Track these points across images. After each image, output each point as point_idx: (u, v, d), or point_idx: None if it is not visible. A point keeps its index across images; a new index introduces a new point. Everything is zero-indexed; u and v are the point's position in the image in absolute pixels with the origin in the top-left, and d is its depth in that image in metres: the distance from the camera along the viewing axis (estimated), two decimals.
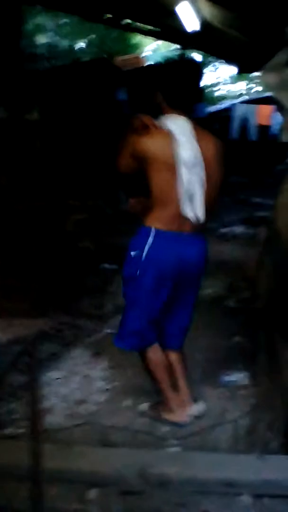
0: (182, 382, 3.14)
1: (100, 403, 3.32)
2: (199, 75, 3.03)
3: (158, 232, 2.77)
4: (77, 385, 3.51)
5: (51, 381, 3.50)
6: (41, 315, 3.91)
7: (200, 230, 2.90)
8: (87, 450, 2.80)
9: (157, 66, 3.04)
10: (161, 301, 2.89)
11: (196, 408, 3.13)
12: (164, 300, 2.90)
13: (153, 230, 2.77)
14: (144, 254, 2.78)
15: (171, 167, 2.71)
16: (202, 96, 3.01)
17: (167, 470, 2.61)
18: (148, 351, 3.03)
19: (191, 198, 2.74)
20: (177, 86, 2.83)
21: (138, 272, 2.81)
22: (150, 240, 2.77)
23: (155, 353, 3.03)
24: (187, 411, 3.09)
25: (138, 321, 2.92)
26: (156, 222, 2.78)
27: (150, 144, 2.74)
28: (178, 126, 2.76)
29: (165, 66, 3.05)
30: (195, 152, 2.74)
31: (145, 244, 2.77)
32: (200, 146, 2.78)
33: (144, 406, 3.26)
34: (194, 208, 2.76)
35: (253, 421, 3.04)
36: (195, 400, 3.18)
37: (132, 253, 2.82)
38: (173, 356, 3.12)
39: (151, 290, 2.84)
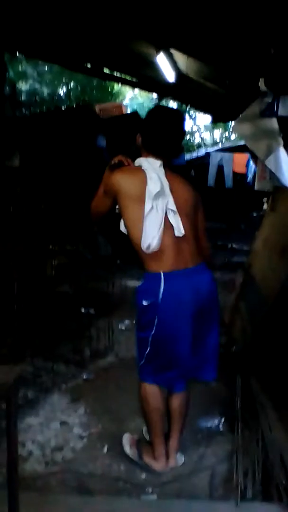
0: (175, 434, 3.13)
1: (77, 450, 3.30)
2: (180, 124, 3.09)
3: (166, 275, 2.76)
4: (54, 432, 3.49)
5: (28, 428, 3.48)
6: (19, 360, 3.91)
7: (201, 262, 2.92)
8: (63, 498, 2.78)
9: (138, 114, 3.15)
10: (185, 340, 2.85)
11: (177, 460, 3.13)
12: (190, 338, 2.86)
13: (161, 274, 2.76)
14: (159, 299, 2.75)
15: (142, 202, 2.75)
16: (180, 147, 3.08)
17: None
18: (154, 391, 3.00)
19: (152, 226, 2.74)
20: (156, 131, 2.94)
21: (156, 319, 2.78)
22: (162, 284, 2.75)
23: (155, 397, 3.01)
24: (170, 462, 3.08)
25: (158, 364, 2.92)
26: (161, 266, 2.78)
27: (123, 179, 2.82)
28: (150, 164, 2.86)
29: (151, 111, 3.13)
30: (162, 185, 2.79)
31: (159, 289, 2.75)
32: (171, 184, 2.85)
33: (126, 438, 3.26)
34: (151, 234, 2.74)
35: (230, 468, 3.05)
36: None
37: (145, 302, 2.80)
38: (181, 398, 3.10)
39: (173, 333, 2.81)
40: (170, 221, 2.79)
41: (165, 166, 2.93)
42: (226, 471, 3.04)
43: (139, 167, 2.88)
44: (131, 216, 2.80)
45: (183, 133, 3.17)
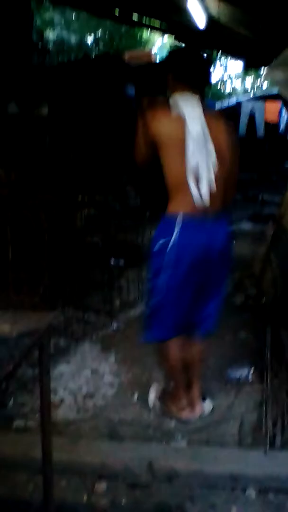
0: (196, 381, 3.15)
1: (108, 398, 3.36)
2: (206, 57, 3.09)
3: (184, 217, 2.70)
4: (86, 379, 3.54)
5: (60, 376, 3.54)
6: (50, 309, 3.95)
7: (224, 212, 2.85)
8: (95, 443, 2.84)
9: (169, 53, 3.08)
10: (191, 290, 2.83)
11: (204, 407, 3.16)
12: (194, 289, 2.84)
13: (180, 215, 2.70)
14: (172, 242, 2.71)
15: (181, 145, 2.67)
16: (210, 77, 3.03)
17: (174, 464, 2.65)
18: (170, 347, 2.99)
19: (196, 174, 2.68)
20: (189, 61, 2.86)
21: (167, 261, 2.74)
22: (178, 226, 2.70)
23: (175, 350, 3.00)
24: (196, 410, 3.12)
25: (167, 312, 2.87)
26: (179, 207, 2.72)
27: (161, 124, 2.73)
28: (188, 104, 2.75)
29: (176, 49, 3.12)
30: (202, 128, 2.69)
31: (173, 231, 2.70)
32: (209, 125, 2.74)
33: (154, 389, 3.29)
34: (199, 185, 2.69)
35: (258, 417, 3.07)
36: (203, 397, 3.21)
37: (161, 241, 2.75)
38: (196, 348, 3.09)
39: (180, 279, 2.77)
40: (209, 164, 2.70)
41: (203, 104, 2.81)
42: (255, 420, 3.06)
43: (175, 109, 2.75)
44: (170, 162, 2.71)
45: (209, 60, 3.19)
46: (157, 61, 11.55)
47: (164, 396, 3.24)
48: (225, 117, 2.98)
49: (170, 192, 2.75)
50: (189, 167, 2.67)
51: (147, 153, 2.83)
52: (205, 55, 3.10)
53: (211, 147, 2.72)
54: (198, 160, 2.68)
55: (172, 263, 2.75)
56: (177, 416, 3.11)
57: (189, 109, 2.72)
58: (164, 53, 19.60)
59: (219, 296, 3.02)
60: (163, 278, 2.80)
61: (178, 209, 2.73)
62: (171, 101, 2.81)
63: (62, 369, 3.63)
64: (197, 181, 2.69)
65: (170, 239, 2.72)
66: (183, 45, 12.62)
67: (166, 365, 3.12)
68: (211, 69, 3.07)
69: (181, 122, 2.69)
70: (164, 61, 2.99)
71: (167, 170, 2.73)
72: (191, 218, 2.71)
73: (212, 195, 2.73)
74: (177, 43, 14.40)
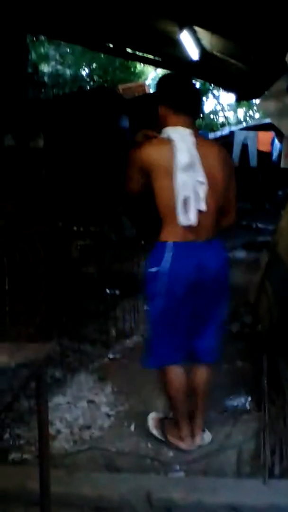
0: (199, 411, 3.12)
1: (104, 429, 3.34)
2: (194, 83, 3.22)
3: (174, 245, 2.77)
4: (82, 410, 3.53)
5: (55, 407, 3.52)
6: (46, 340, 3.94)
7: (216, 237, 2.90)
8: (92, 475, 2.82)
9: (158, 80, 3.16)
10: (187, 315, 2.87)
11: (203, 438, 3.14)
12: (190, 314, 2.87)
13: (169, 243, 2.77)
14: (163, 269, 2.77)
15: (171, 175, 2.73)
16: (201, 103, 3.16)
17: (173, 495, 2.63)
18: (170, 372, 2.99)
19: (185, 201, 2.73)
20: (181, 88, 2.94)
21: (159, 288, 2.79)
22: (168, 254, 2.76)
23: (177, 376, 3.00)
24: (195, 440, 3.10)
25: (164, 338, 2.90)
26: (170, 235, 2.79)
27: (152, 152, 2.80)
28: (178, 134, 2.80)
29: (166, 76, 3.26)
30: (192, 158, 2.75)
31: (163, 258, 2.76)
32: (202, 154, 2.79)
33: (151, 418, 3.27)
34: (188, 214, 2.74)
35: (256, 446, 3.06)
36: (203, 428, 3.19)
37: (152, 269, 2.80)
38: (201, 375, 3.09)
39: (175, 305, 2.81)
40: (197, 192, 2.76)
41: (196, 134, 2.88)
42: (253, 449, 3.05)
43: (166, 139, 2.81)
44: (161, 191, 2.77)
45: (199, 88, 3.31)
46: (151, 92, 11.74)
47: (163, 425, 3.22)
48: (223, 147, 3.03)
49: (163, 219, 2.80)
50: (178, 197, 2.72)
51: (138, 183, 2.88)
52: (194, 82, 3.20)
53: (201, 176, 2.77)
54: (187, 190, 2.73)
55: (165, 289, 2.79)
56: (177, 446, 3.09)
57: (180, 140, 2.77)
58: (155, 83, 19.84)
59: (217, 321, 3.04)
60: (158, 305, 2.84)
61: (168, 237, 2.79)
62: (163, 133, 2.87)
63: (58, 400, 3.61)
64: (186, 209, 2.73)
65: (162, 267, 2.77)
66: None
67: (167, 393, 3.10)
68: (202, 96, 3.16)
69: (171, 152, 2.75)
70: (156, 89, 3.05)
71: (158, 199, 2.79)
72: (182, 244, 2.78)
73: (202, 222, 2.78)
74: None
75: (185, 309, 2.86)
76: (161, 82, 3.10)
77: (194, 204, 2.74)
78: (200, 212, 2.76)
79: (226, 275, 2.98)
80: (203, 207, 2.77)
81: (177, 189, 2.72)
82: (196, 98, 3.07)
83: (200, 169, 2.78)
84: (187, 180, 2.73)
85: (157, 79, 3.27)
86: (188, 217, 2.74)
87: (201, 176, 2.77)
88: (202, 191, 2.77)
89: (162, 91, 2.99)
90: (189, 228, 2.76)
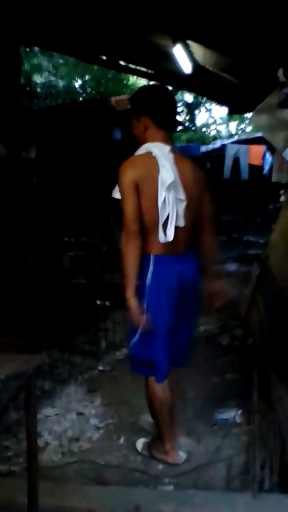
0: (176, 420, 3.15)
1: (93, 441, 3.32)
2: (173, 98, 3.22)
3: (156, 258, 2.84)
4: (71, 422, 3.50)
5: (44, 419, 3.49)
6: (36, 351, 3.93)
7: (192, 251, 2.98)
8: (81, 487, 2.79)
9: (142, 91, 3.13)
10: (169, 324, 2.91)
11: (186, 445, 3.15)
12: (172, 323, 2.92)
13: (152, 256, 2.83)
14: (148, 281, 2.83)
15: (155, 193, 2.77)
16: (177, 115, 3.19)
17: (162, 509, 2.61)
18: (156, 387, 2.99)
19: (166, 219, 2.79)
20: (164, 104, 2.94)
21: (145, 300, 2.83)
22: (151, 266, 2.83)
23: (164, 391, 3.00)
24: (181, 454, 3.10)
25: (151, 348, 2.91)
26: (152, 248, 2.84)
27: (140, 167, 2.80)
28: (160, 151, 2.83)
29: (152, 88, 3.29)
30: (175, 177, 2.79)
31: (148, 271, 2.83)
32: (180, 172, 2.85)
33: (140, 443, 3.26)
34: (166, 229, 2.80)
35: (246, 459, 3.04)
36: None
37: (138, 282, 2.82)
38: (172, 383, 3.07)
39: (159, 315, 2.85)
40: (176, 210, 2.82)
41: (173, 150, 2.91)
42: (243, 462, 3.04)
43: (150, 155, 2.83)
44: (145, 206, 2.78)
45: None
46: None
47: (150, 446, 3.20)
48: (194, 163, 3.09)
49: (147, 233, 2.82)
50: (160, 214, 2.78)
51: (138, 204, 2.80)
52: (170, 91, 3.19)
53: (181, 194, 2.84)
54: (169, 208, 2.78)
55: (148, 301, 2.83)
56: (163, 460, 3.07)
57: (162, 157, 2.81)
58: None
59: (191, 327, 3.13)
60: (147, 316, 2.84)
61: (151, 249, 2.84)
62: (142, 149, 2.89)
63: (47, 412, 3.58)
64: (166, 227, 2.80)
65: (146, 279, 2.83)
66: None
67: (151, 407, 3.08)
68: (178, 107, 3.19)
69: (155, 169, 2.78)
70: (138, 99, 2.99)
71: (142, 215, 2.79)
72: (163, 257, 2.85)
73: (180, 237, 2.86)
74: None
75: (169, 319, 2.91)
76: (147, 93, 3.02)
77: (173, 222, 2.81)
78: (178, 227, 2.83)
79: (198, 287, 3.05)
80: (181, 224, 2.85)
81: (160, 207, 2.77)
82: (176, 114, 3.10)
83: (180, 187, 2.84)
84: (170, 198, 2.78)
85: (140, 89, 3.19)
86: (167, 234, 2.81)
87: (181, 194, 2.84)
88: (182, 208, 2.84)
89: (148, 102, 2.93)
90: (168, 242, 2.82)
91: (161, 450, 3.09)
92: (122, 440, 3.31)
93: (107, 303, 5.43)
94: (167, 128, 2.92)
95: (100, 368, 4.35)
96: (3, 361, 2.05)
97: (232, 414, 3.57)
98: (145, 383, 3.06)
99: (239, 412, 3.58)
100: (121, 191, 2.80)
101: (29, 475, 2.11)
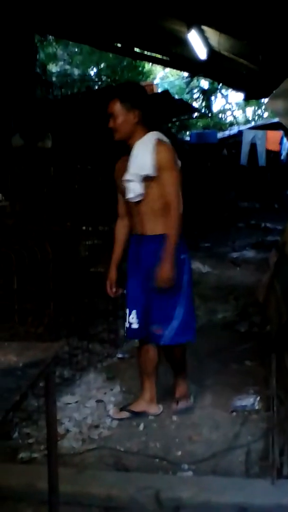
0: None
1: (113, 428, 3.34)
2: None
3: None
4: (90, 409, 3.53)
5: (64, 406, 3.53)
6: (55, 339, 3.95)
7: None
8: (100, 474, 2.82)
9: (136, 87, 3.46)
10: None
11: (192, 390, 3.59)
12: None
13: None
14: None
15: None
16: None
17: (181, 495, 2.63)
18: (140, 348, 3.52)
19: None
20: (149, 103, 3.43)
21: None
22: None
23: (145, 351, 3.46)
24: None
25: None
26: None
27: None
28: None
29: (141, 87, 3.72)
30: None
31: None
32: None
33: (112, 410, 3.51)
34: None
35: (265, 446, 3.05)
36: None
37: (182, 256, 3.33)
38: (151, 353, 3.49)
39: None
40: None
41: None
42: (262, 449, 3.04)
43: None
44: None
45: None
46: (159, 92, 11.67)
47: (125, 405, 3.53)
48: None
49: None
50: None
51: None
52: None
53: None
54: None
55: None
56: (146, 412, 3.40)
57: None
58: (164, 86, 19.81)
59: (165, 308, 3.33)
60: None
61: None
62: (156, 134, 3.27)
63: (66, 400, 3.62)
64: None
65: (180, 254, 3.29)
66: (183, 78, 12.84)
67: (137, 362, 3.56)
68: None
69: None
70: (133, 93, 3.28)
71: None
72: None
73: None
74: (178, 73, 14.59)
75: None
76: (142, 90, 3.46)
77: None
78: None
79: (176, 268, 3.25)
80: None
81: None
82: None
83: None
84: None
85: (133, 84, 3.60)
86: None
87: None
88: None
89: (143, 98, 3.32)
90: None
91: (142, 403, 3.41)
92: (141, 426, 3.33)
93: (125, 291, 5.43)
94: (148, 123, 3.27)
95: (119, 355, 4.38)
96: (22, 349, 2.08)
97: (251, 400, 3.57)
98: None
99: (258, 398, 3.58)
100: (172, 170, 3.19)
101: (49, 462, 2.13)
